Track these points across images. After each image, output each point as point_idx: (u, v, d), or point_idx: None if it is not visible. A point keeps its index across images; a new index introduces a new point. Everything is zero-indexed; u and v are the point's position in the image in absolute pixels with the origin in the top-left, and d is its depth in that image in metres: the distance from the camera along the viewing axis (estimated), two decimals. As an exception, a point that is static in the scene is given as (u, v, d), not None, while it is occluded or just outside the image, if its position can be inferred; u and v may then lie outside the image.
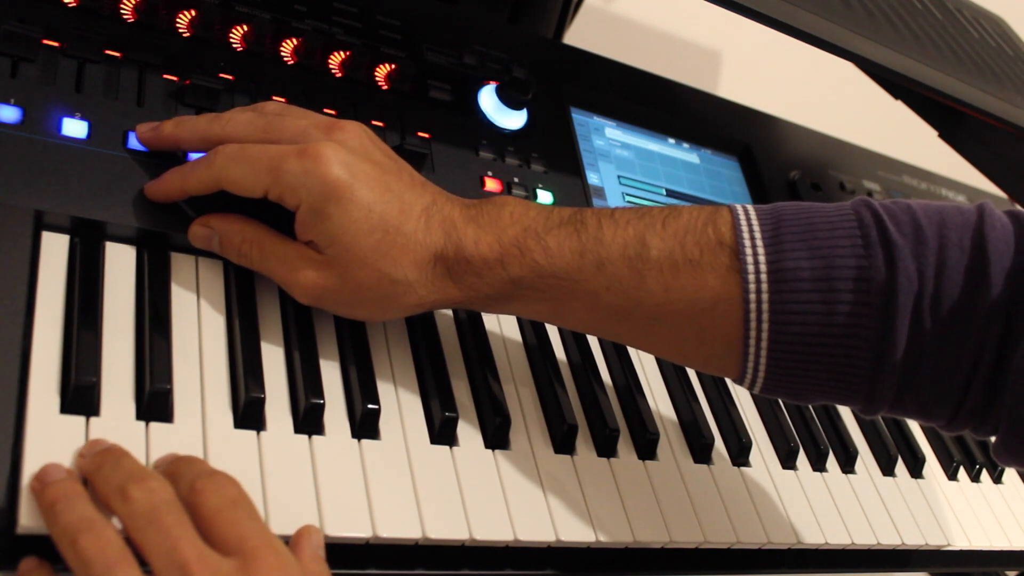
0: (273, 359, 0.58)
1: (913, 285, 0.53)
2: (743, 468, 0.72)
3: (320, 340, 0.60)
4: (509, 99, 0.78)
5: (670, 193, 0.87)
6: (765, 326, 0.54)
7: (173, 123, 0.60)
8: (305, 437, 0.56)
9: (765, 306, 0.54)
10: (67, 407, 0.50)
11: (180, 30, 0.67)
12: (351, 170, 0.56)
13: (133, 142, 0.60)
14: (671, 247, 0.56)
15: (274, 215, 0.59)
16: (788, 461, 0.75)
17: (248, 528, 0.45)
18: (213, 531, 0.45)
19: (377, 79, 0.74)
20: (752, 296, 0.54)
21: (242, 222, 0.59)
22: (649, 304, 0.56)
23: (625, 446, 0.67)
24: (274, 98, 0.68)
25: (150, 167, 0.60)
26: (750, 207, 0.57)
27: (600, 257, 0.57)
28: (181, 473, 0.47)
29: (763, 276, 0.54)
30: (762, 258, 0.54)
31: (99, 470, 0.46)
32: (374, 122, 0.71)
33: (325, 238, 0.56)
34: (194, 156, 0.61)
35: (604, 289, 0.57)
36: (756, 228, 0.55)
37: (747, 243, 0.55)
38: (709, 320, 0.56)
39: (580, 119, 0.86)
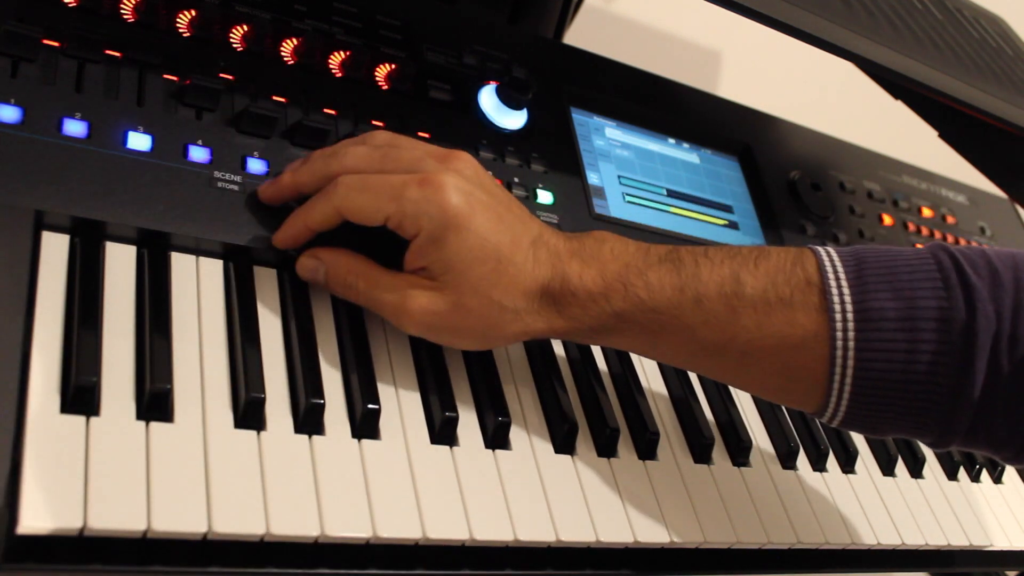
0: (273, 359, 0.58)
1: (992, 326, 0.55)
2: (743, 468, 0.72)
3: (320, 340, 0.60)
4: (509, 99, 0.78)
5: (670, 193, 0.87)
6: (851, 363, 0.56)
7: (289, 172, 0.62)
8: (305, 437, 0.56)
9: (852, 343, 0.56)
10: (67, 407, 0.50)
11: (180, 30, 0.67)
12: (469, 200, 0.58)
13: (133, 142, 0.60)
14: (764, 286, 0.58)
15: (373, 249, 0.61)
16: (788, 461, 0.75)
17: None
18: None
19: (377, 79, 0.74)
20: (839, 335, 0.56)
21: (349, 255, 0.61)
22: (742, 340, 0.58)
23: (625, 446, 0.67)
24: (274, 98, 0.68)
25: (151, 168, 0.60)
26: (831, 249, 0.59)
27: (698, 293, 0.59)
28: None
29: (849, 316, 0.56)
30: (848, 298, 0.57)
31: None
32: (374, 122, 0.71)
33: (440, 265, 0.58)
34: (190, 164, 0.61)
35: (701, 324, 0.59)
36: (840, 269, 0.58)
37: (832, 284, 0.57)
38: (797, 357, 0.58)
39: (580, 119, 0.86)
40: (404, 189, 0.58)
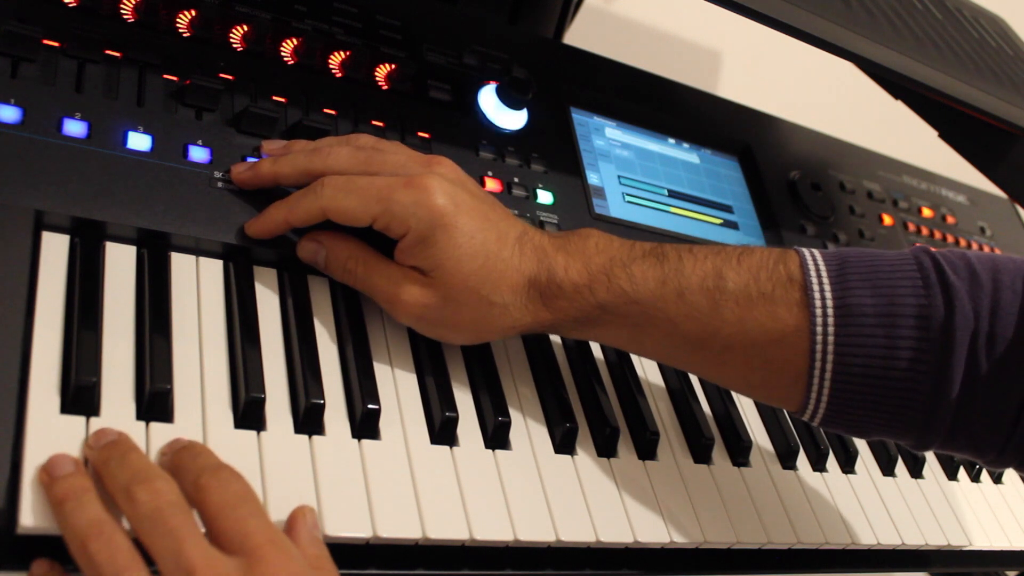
0: (273, 359, 0.58)
1: (970, 324, 0.56)
2: (743, 468, 0.72)
3: (320, 340, 0.60)
4: (509, 99, 0.78)
5: (671, 193, 0.87)
6: (830, 358, 0.57)
7: (270, 161, 0.62)
8: (305, 437, 0.56)
9: (831, 339, 0.57)
10: (67, 407, 0.50)
11: (180, 30, 0.67)
12: (455, 200, 0.59)
13: (133, 142, 0.60)
14: (746, 281, 0.59)
15: (366, 235, 0.61)
16: (788, 461, 0.75)
17: (252, 526, 0.45)
18: (218, 529, 0.45)
19: (377, 79, 0.74)
20: (819, 329, 0.57)
21: (349, 240, 0.62)
22: (723, 333, 0.59)
23: (625, 446, 0.67)
24: (274, 98, 0.68)
25: (151, 168, 0.60)
26: (815, 251, 0.61)
27: (681, 287, 0.60)
28: (186, 467, 0.48)
29: (829, 311, 0.57)
30: (828, 294, 0.58)
31: (105, 466, 0.47)
32: (374, 122, 0.71)
33: (430, 263, 0.59)
34: (193, 153, 0.61)
35: (683, 316, 0.60)
36: (822, 268, 0.59)
37: (814, 280, 0.58)
38: (778, 351, 0.59)
39: (580, 119, 0.86)
40: (391, 191, 0.58)
